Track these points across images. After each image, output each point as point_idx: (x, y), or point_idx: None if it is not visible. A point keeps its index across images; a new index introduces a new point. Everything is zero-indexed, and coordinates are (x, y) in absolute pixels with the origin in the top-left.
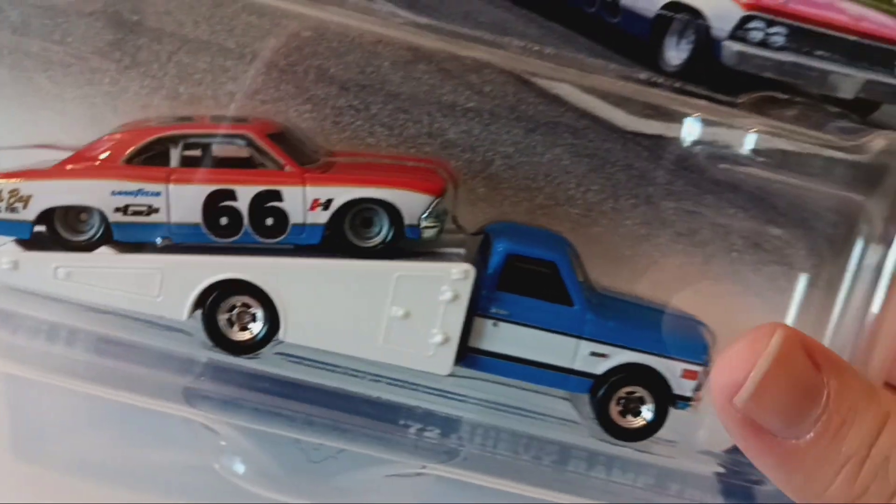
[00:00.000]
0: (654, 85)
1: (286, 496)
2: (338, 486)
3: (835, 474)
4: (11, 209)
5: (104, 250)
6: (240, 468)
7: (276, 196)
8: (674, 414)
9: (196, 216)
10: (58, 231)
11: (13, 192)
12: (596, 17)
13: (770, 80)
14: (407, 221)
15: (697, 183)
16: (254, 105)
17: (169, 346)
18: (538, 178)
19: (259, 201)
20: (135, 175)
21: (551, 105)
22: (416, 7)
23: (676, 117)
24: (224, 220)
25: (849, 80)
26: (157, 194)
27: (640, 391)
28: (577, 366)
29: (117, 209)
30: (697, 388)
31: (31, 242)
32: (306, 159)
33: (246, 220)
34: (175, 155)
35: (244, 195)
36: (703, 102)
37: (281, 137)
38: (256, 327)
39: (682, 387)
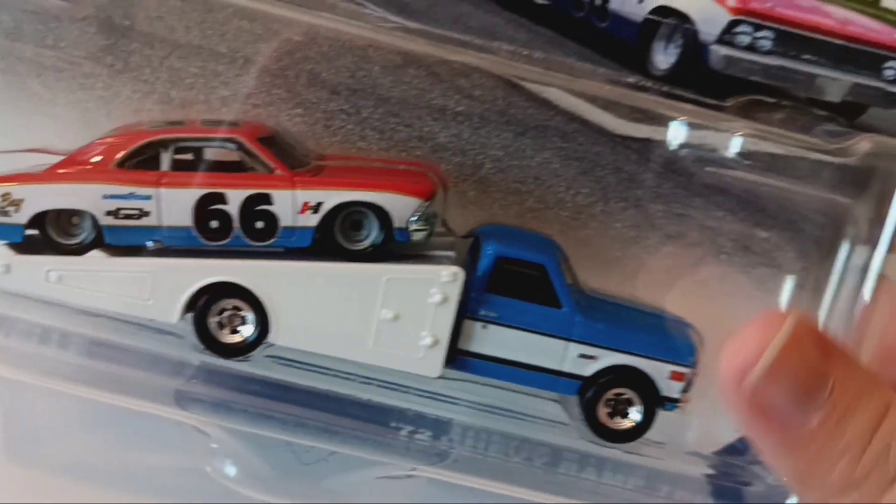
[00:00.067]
0: (643, 89)
1: (277, 498)
2: (329, 488)
3: (838, 459)
4: (3, 213)
5: (96, 254)
6: (231, 470)
7: (266, 199)
8: (662, 416)
9: (187, 220)
10: (50, 234)
11: (5, 196)
12: (584, 21)
13: (757, 83)
14: (396, 224)
15: (686, 186)
16: (245, 109)
17: (161, 349)
18: (528, 182)
19: (249, 205)
20: (126, 179)
21: (541, 109)
22: (406, 12)
23: (664, 121)
24: (214, 224)
25: (836, 83)
26: (148, 198)
27: (628, 393)
28: (566, 368)
29: (108, 213)
30: (685, 390)
31: (24, 246)
32: (296, 163)
33: (236, 224)
34: (166, 159)
35: (234, 199)
36: (690, 107)
37: (271, 141)
38: (247, 330)
39: (670, 388)
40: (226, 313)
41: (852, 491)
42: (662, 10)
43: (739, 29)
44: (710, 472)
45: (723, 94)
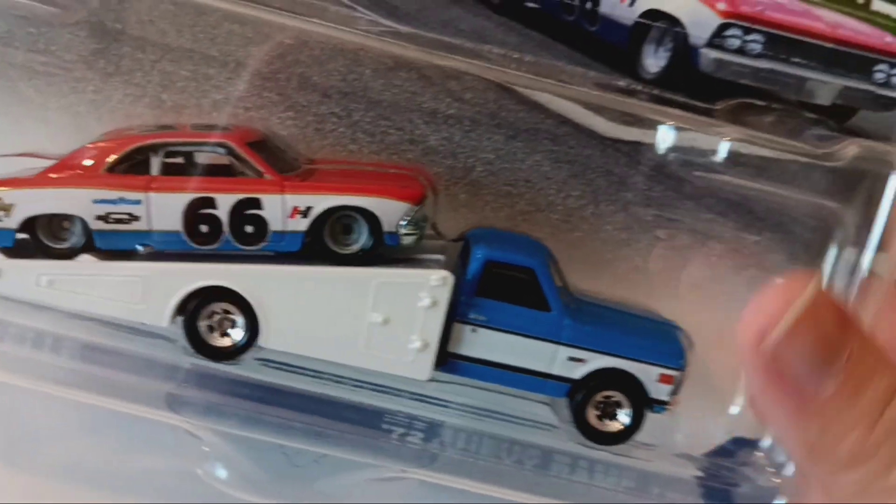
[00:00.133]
0: (633, 93)
1: (269, 500)
2: (320, 491)
3: (849, 430)
4: None
5: (86, 258)
6: (223, 473)
7: (256, 204)
8: (653, 418)
9: (177, 224)
10: (41, 239)
11: None
12: (575, 25)
13: (748, 86)
14: (386, 228)
15: (677, 189)
16: (237, 112)
17: (152, 352)
18: (519, 185)
19: (239, 209)
20: (116, 183)
21: (531, 112)
22: (396, 15)
23: (654, 124)
24: (204, 228)
25: (826, 86)
26: (138, 202)
27: (617, 395)
28: (556, 370)
29: (99, 217)
30: (674, 393)
31: (15, 250)
32: (286, 167)
33: (226, 228)
34: (156, 163)
35: (224, 203)
36: (679, 111)
37: (261, 145)
38: (237, 334)
39: (659, 391)
40: (216, 317)
41: (860, 465)
42: (652, 14)
43: (729, 32)
44: (700, 473)
45: (713, 97)
